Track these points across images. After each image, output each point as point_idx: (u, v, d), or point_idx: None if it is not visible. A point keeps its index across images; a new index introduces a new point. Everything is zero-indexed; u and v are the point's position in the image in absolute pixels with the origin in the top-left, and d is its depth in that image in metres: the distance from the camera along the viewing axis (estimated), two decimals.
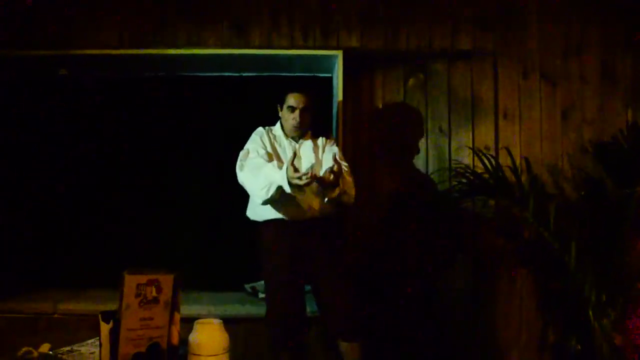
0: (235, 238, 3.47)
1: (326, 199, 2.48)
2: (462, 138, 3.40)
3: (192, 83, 3.61)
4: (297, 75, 3.56)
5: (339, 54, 3.20)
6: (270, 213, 2.64)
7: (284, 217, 2.62)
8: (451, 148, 3.41)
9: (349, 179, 2.55)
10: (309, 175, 2.26)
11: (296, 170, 2.30)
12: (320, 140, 2.79)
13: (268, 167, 2.48)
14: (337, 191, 2.42)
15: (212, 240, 3.57)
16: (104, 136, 3.61)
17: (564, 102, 3.29)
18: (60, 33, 3.22)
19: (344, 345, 2.64)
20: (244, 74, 3.60)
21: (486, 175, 3.04)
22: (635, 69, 3.28)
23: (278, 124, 2.78)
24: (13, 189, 3.51)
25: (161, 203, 3.58)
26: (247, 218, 2.79)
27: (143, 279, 1.54)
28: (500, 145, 3.29)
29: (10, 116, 3.50)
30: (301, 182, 2.27)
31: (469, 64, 3.40)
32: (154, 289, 1.55)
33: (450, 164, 3.37)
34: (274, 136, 2.75)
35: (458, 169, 3.17)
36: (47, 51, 3.22)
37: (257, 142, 2.69)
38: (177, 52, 3.22)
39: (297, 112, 2.63)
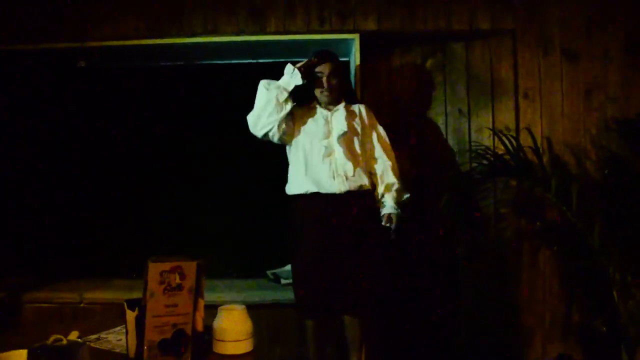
0: (257, 225, 3.50)
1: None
2: (482, 119, 3.36)
3: (210, 70, 3.64)
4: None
5: (355, 37, 3.16)
6: (304, 186, 2.70)
7: (318, 191, 2.68)
8: (471, 129, 3.38)
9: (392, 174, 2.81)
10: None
11: None
12: (357, 108, 2.88)
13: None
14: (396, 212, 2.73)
15: (235, 228, 3.58)
16: (126, 126, 3.64)
17: (586, 79, 3.20)
18: (77, 25, 3.23)
19: (346, 319, 2.74)
20: (261, 60, 3.59)
21: (507, 157, 3.00)
22: None
23: (314, 102, 2.88)
24: (38, 181, 3.56)
25: (183, 192, 3.60)
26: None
27: (167, 266, 1.55)
28: (521, 126, 3.23)
29: (31, 109, 3.54)
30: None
31: (488, 43, 3.34)
32: (177, 276, 1.56)
33: (470, 145, 3.34)
34: (309, 108, 2.86)
35: (478, 151, 3.13)
36: (64, 44, 3.23)
37: None
38: (193, 40, 3.21)
39: (324, 78, 2.78)
